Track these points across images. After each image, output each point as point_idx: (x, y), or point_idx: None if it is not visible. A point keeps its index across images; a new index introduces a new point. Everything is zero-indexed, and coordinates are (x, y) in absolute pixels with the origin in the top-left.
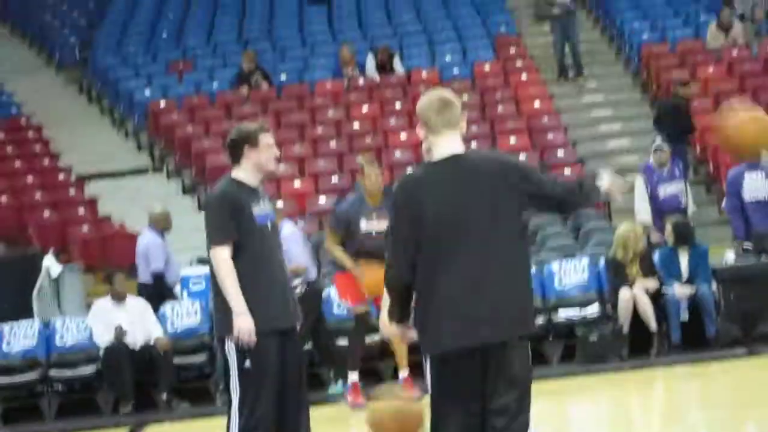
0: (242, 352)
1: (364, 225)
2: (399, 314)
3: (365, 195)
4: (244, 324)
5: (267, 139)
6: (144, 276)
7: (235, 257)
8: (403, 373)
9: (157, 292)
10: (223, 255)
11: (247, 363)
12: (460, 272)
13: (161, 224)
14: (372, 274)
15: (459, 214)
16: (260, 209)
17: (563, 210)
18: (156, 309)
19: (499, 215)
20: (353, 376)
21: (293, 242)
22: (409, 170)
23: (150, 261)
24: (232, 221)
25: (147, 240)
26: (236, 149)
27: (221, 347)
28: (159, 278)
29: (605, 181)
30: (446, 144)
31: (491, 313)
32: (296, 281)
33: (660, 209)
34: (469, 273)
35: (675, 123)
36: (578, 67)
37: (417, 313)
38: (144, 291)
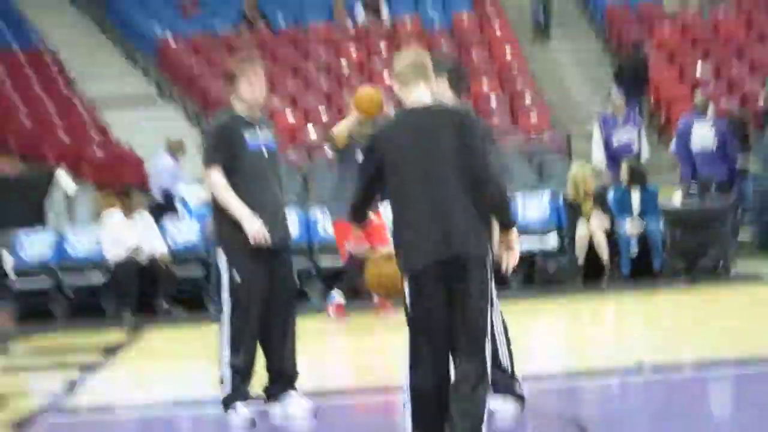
0: (231, 264)
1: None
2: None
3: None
4: (252, 225)
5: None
6: (156, 193)
7: (228, 178)
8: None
9: (168, 208)
10: (215, 176)
11: (238, 278)
12: (423, 203)
13: (176, 149)
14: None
15: (422, 154)
16: (253, 137)
17: (476, 185)
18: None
19: (455, 157)
20: (340, 298)
21: None
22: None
23: (163, 180)
24: (223, 147)
25: (162, 162)
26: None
27: (216, 259)
28: (168, 196)
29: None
30: (415, 95)
31: (448, 236)
32: None
33: (614, 154)
34: (430, 204)
35: (633, 76)
36: (547, 28)
37: (394, 239)
38: (155, 206)
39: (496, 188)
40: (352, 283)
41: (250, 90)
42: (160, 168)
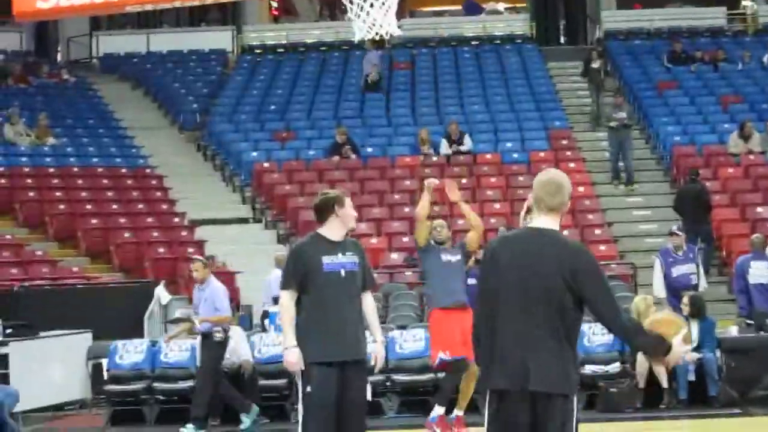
0: (305, 378)
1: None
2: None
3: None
4: (288, 356)
5: (349, 202)
6: (266, 304)
7: (304, 297)
8: (459, 411)
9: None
10: (283, 298)
11: (309, 388)
12: (510, 326)
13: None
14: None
15: (521, 277)
16: (332, 259)
17: (606, 326)
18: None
19: (550, 290)
20: (440, 410)
21: (218, 296)
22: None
23: (272, 292)
24: (298, 270)
25: (274, 275)
26: (323, 210)
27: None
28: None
29: (674, 352)
30: (541, 220)
31: (528, 368)
32: (217, 329)
33: (673, 286)
34: (517, 329)
35: (694, 203)
36: (629, 175)
37: (479, 353)
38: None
39: (626, 334)
40: (450, 390)
41: (348, 217)
42: (270, 282)
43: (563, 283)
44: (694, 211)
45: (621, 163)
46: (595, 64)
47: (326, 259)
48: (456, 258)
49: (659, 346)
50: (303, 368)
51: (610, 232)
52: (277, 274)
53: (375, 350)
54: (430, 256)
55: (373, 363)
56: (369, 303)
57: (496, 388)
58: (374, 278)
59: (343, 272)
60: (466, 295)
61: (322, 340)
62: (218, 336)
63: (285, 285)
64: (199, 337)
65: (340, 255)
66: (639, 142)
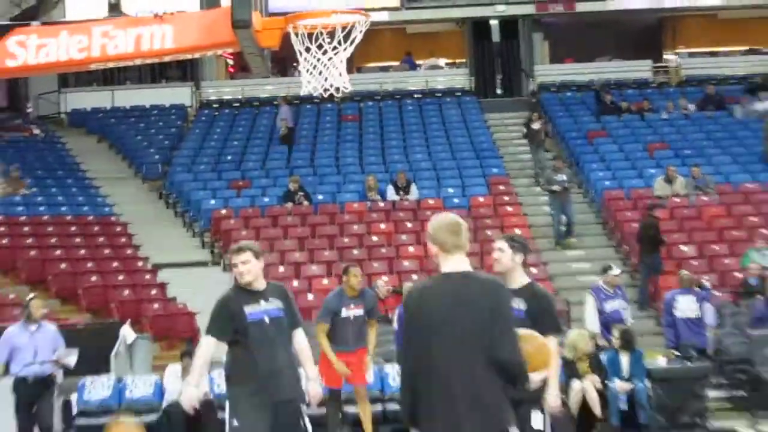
0: (232, 412)
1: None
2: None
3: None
4: (186, 394)
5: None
6: None
7: (232, 345)
8: None
9: None
10: (202, 342)
11: (235, 422)
12: (440, 375)
13: None
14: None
15: (447, 323)
16: (254, 308)
17: (501, 369)
18: None
19: (475, 332)
20: None
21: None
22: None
23: None
24: (219, 319)
25: None
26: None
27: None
28: None
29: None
30: (453, 262)
31: (462, 421)
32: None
33: (606, 321)
34: (446, 378)
35: (650, 234)
36: (569, 230)
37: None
38: None
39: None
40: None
41: (238, 273)
42: None
43: (485, 322)
44: (649, 242)
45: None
46: (536, 125)
47: (248, 309)
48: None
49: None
50: (196, 407)
51: (545, 270)
52: None
53: (308, 387)
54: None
55: (308, 400)
56: (299, 341)
57: None
58: (300, 317)
59: (267, 319)
60: None
61: (250, 381)
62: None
63: (207, 331)
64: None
65: (262, 302)
66: (577, 196)
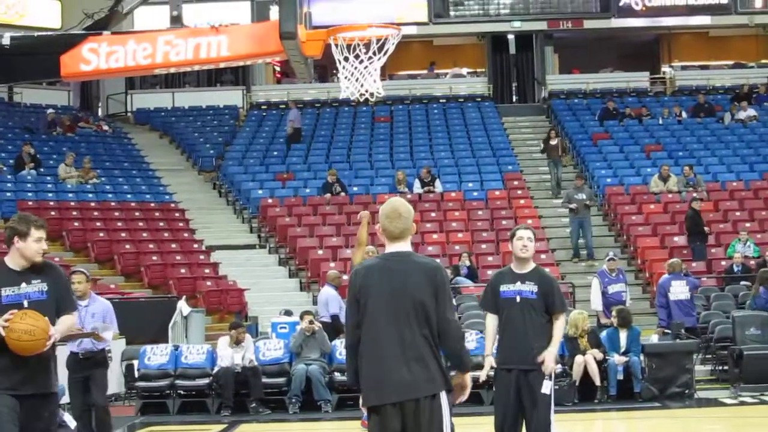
0: None
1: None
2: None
3: None
4: None
5: (37, 234)
6: (324, 317)
7: None
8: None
9: (334, 329)
10: None
11: None
12: (380, 343)
13: (336, 281)
14: None
15: (387, 296)
16: (12, 290)
17: (439, 337)
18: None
19: (414, 304)
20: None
21: (107, 316)
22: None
23: (329, 307)
24: None
25: (327, 292)
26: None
27: None
28: (335, 318)
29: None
30: (392, 245)
31: (406, 378)
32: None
33: (608, 301)
34: (387, 345)
35: (693, 225)
36: (590, 252)
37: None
38: (325, 328)
39: (456, 341)
40: None
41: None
42: (324, 297)
43: (423, 294)
44: (695, 230)
45: (581, 240)
46: (554, 141)
47: (5, 291)
48: None
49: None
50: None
51: (552, 257)
52: (330, 290)
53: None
54: None
55: None
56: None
57: (370, 404)
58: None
59: (25, 303)
60: None
61: (4, 369)
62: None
63: None
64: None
65: (23, 285)
66: (596, 219)
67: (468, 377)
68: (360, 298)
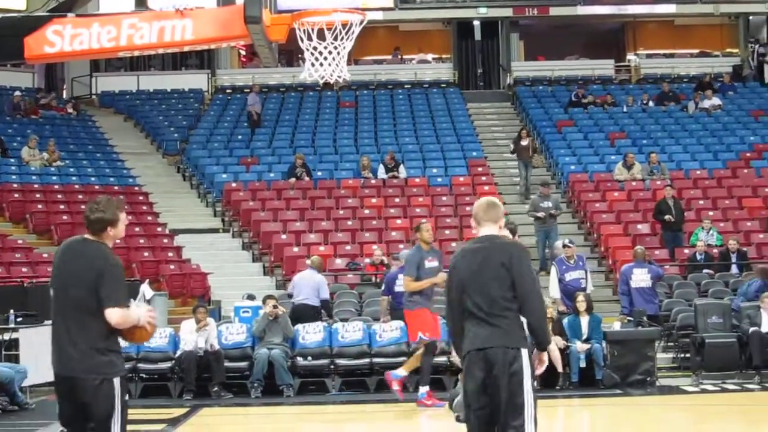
0: None
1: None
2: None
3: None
4: None
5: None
6: (314, 301)
7: None
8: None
9: (316, 313)
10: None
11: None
12: (471, 319)
13: (318, 266)
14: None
15: (473, 275)
16: None
17: (522, 308)
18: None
19: (497, 282)
20: (426, 388)
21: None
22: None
23: (321, 292)
24: None
25: (318, 277)
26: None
27: None
28: (325, 302)
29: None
30: (484, 231)
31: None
32: None
33: (566, 289)
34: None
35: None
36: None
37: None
38: (312, 311)
39: (536, 313)
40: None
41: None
42: (316, 282)
43: (505, 272)
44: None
45: (547, 250)
46: (524, 142)
47: None
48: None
49: None
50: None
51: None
52: (319, 276)
53: None
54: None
55: None
56: None
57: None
58: None
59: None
60: None
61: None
62: None
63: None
64: None
65: None
66: (566, 215)
67: (545, 354)
68: (453, 275)
